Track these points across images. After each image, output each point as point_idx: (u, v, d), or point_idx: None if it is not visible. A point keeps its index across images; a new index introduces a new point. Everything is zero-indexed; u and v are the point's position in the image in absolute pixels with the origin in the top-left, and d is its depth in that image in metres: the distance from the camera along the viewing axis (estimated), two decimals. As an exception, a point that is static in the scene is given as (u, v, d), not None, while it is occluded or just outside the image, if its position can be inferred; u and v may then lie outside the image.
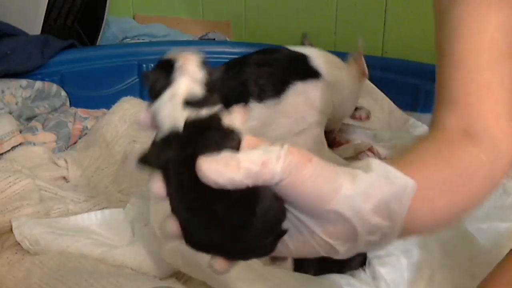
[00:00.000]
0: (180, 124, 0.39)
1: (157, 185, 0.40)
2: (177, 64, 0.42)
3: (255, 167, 0.36)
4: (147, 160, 0.41)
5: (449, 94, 0.54)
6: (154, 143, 0.41)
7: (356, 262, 0.73)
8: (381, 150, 1.07)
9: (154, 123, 0.42)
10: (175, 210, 0.40)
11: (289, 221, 0.40)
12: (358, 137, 1.16)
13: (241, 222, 0.37)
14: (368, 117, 1.18)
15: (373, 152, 1.07)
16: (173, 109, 0.40)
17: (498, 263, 0.53)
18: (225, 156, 0.37)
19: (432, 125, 0.55)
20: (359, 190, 0.39)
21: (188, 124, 0.39)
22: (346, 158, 1.08)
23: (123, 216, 0.84)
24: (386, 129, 1.20)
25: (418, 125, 1.20)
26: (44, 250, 0.74)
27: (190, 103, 0.40)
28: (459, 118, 0.52)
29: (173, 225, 0.40)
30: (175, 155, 0.39)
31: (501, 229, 0.79)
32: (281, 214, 0.39)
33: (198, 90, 0.40)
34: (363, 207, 0.39)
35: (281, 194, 0.38)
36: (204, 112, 0.40)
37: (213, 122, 0.40)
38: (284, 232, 0.39)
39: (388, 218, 0.41)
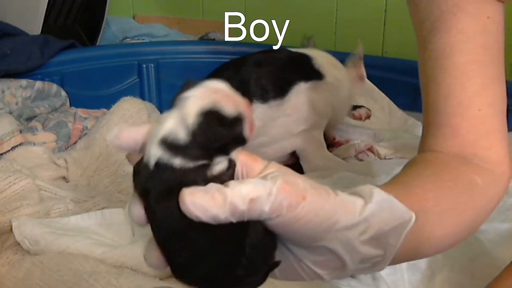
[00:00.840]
0: (152, 163, 0.35)
1: (136, 211, 0.36)
2: (188, 93, 0.36)
3: (242, 205, 0.33)
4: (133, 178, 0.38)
5: (439, 121, 0.53)
6: (137, 166, 0.37)
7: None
8: (381, 150, 1.07)
9: (133, 146, 0.38)
10: (158, 241, 0.36)
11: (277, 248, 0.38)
12: (358, 137, 1.16)
13: (229, 258, 0.35)
14: (368, 116, 1.18)
15: (373, 152, 1.07)
16: (151, 143, 0.36)
17: (502, 271, 0.53)
18: (211, 189, 0.34)
19: (422, 149, 0.55)
20: (356, 225, 0.37)
21: (157, 165, 0.35)
22: (345, 159, 1.08)
23: (123, 216, 0.84)
24: (386, 129, 1.20)
25: (418, 125, 1.20)
26: (44, 250, 0.74)
27: (166, 144, 0.35)
28: (451, 144, 0.52)
29: (157, 258, 0.37)
30: (153, 187, 0.35)
31: (502, 229, 0.79)
32: (272, 248, 0.37)
33: (180, 135, 0.35)
34: (357, 240, 0.37)
35: (269, 228, 0.36)
36: (177, 162, 0.35)
37: (186, 174, 0.35)
38: (276, 264, 0.37)
39: (382, 248, 0.39)
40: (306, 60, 1.04)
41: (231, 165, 0.36)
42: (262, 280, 0.38)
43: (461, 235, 0.50)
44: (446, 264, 0.72)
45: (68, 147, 1.15)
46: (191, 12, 1.92)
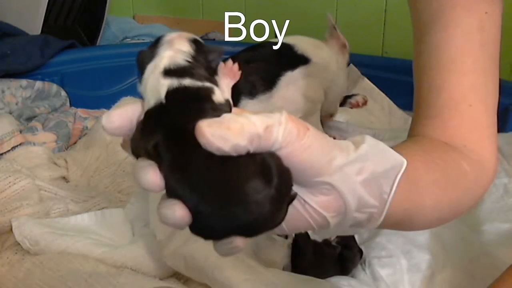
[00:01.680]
0: (162, 94, 0.36)
1: (150, 174, 0.35)
2: (165, 39, 0.40)
3: (259, 132, 0.34)
4: (134, 148, 0.37)
5: (430, 113, 0.54)
6: (138, 127, 0.37)
7: (356, 260, 0.73)
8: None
9: (129, 125, 0.38)
10: (177, 194, 0.35)
11: None
12: (358, 137, 1.16)
13: (257, 191, 0.34)
14: (365, 101, 1.17)
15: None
16: (155, 81, 0.37)
17: (503, 272, 0.53)
18: (227, 119, 0.34)
19: (411, 134, 0.55)
20: (351, 163, 0.39)
21: (171, 92, 0.36)
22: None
23: (123, 216, 0.84)
24: (386, 129, 1.20)
25: (418, 125, 1.20)
26: (44, 250, 0.73)
27: (171, 72, 0.37)
28: (441, 135, 0.52)
29: (181, 210, 0.34)
30: (166, 129, 0.35)
31: (502, 230, 0.79)
32: (291, 176, 0.37)
33: (181, 59, 0.38)
34: (354, 179, 0.39)
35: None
36: (187, 81, 0.37)
37: (199, 92, 0.37)
38: (294, 196, 0.38)
39: (377, 197, 0.41)
40: (288, 48, 1.04)
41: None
42: (284, 216, 0.37)
43: (448, 213, 0.51)
44: (446, 264, 0.72)
45: (68, 147, 1.15)
46: (191, 12, 1.92)
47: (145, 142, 0.36)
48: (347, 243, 0.73)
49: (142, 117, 0.37)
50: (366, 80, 1.33)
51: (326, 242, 0.73)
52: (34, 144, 1.09)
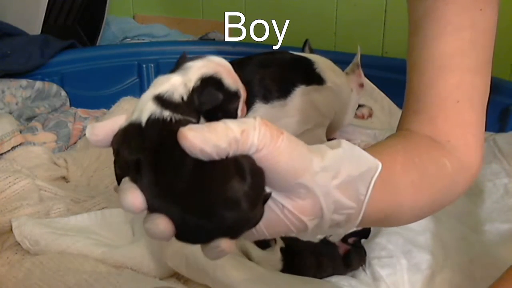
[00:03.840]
0: (144, 118, 0.38)
1: (131, 195, 0.37)
2: (188, 64, 0.41)
3: (237, 135, 0.36)
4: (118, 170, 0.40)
5: (418, 108, 0.55)
6: (119, 132, 0.39)
7: (356, 262, 0.73)
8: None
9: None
10: (159, 209, 0.37)
11: None
12: (358, 137, 1.16)
13: (234, 192, 0.36)
14: (370, 114, 1.18)
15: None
16: (145, 98, 0.39)
17: (504, 272, 0.53)
18: (206, 124, 0.36)
19: (399, 128, 0.57)
20: (326, 167, 0.40)
21: (151, 119, 0.38)
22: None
23: (123, 216, 0.84)
24: (386, 129, 1.20)
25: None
26: (44, 250, 0.73)
27: (162, 100, 0.38)
28: (427, 130, 0.53)
29: (164, 223, 0.37)
30: (144, 149, 0.37)
31: (502, 230, 0.79)
32: (264, 176, 0.39)
33: (177, 94, 0.39)
34: (330, 183, 0.40)
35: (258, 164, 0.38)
36: (167, 113, 0.38)
37: (178, 122, 0.38)
38: (268, 195, 0.39)
39: (354, 199, 0.42)
40: (308, 64, 1.05)
41: None
42: (260, 216, 0.39)
43: (426, 211, 0.53)
44: (447, 264, 0.72)
45: (68, 147, 1.15)
46: (191, 12, 1.92)
47: (128, 155, 0.38)
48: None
49: (124, 124, 0.39)
50: (366, 80, 1.33)
51: (326, 241, 0.73)
52: (34, 144, 1.09)
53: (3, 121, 1.09)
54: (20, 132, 1.11)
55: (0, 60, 1.28)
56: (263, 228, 0.40)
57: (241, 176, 0.37)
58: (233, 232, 0.38)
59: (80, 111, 1.28)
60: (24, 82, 1.29)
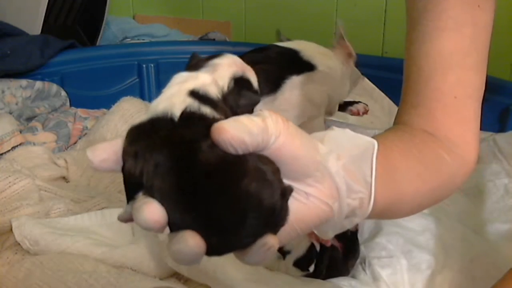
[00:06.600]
0: (178, 111, 0.36)
1: (151, 209, 0.34)
2: (214, 61, 0.40)
3: (262, 125, 0.36)
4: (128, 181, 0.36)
5: (416, 102, 0.55)
6: (132, 129, 0.36)
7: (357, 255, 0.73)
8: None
9: (115, 159, 0.36)
10: (186, 225, 0.33)
11: None
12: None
13: (264, 176, 0.36)
14: (366, 111, 1.18)
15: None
16: (176, 93, 0.37)
17: (505, 273, 0.53)
18: (232, 119, 0.35)
19: (396, 122, 0.58)
20: (330, 150, 0.41)
21: (187, 113, 0.36)
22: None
23: (123, 216, 0.84)
24: (386, 129, 1.20)
25: (418, 125, 1.20)
26: (44, 250, 0.73)
27: (198, 95, 0.37)
28: (425, 124, 0.54)
29: (194, 238, 0.33)
30: (171, 148, 0.34)
31: (503, 230, 0.79)
32: (279, 173, 0.38)
33: (212, 91, 0.38)
34: (337, 163, 0.41)
35: (275, 157, 0.37)
36: (207, 110, 0.36)
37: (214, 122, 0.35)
38: (291, 188, 0.38)
39: (361, 181, 0.42)
40: (294, 54, 1.04)
41: None
42: (287, 208, 0.38)
43: (428, 201, 0.53)
44: (447, 264, 0.72)
45: (68, 147, 1.15)
46: (191, 12, 1.92)
47: (144, 160, 0.34)
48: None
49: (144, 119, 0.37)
50: (366, 80, 1.33)
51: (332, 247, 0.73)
52: (34, 144, 1.09)
53: (3, 121, 1.09)
54: (20, 132, 1.11)
55: (0, 60, 1.28)
56: (294, 223, 0.39)
57: (264, 165, 0.36)
58: (273, 224, 0.36)
59: (80, 111, 1.28)
60: (24, 82, 1.29)
